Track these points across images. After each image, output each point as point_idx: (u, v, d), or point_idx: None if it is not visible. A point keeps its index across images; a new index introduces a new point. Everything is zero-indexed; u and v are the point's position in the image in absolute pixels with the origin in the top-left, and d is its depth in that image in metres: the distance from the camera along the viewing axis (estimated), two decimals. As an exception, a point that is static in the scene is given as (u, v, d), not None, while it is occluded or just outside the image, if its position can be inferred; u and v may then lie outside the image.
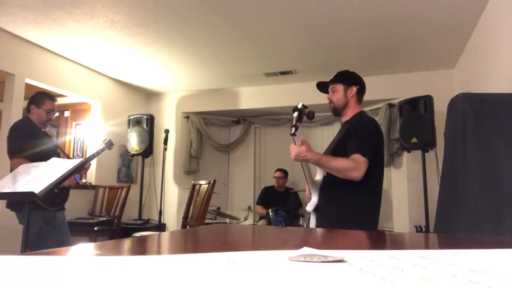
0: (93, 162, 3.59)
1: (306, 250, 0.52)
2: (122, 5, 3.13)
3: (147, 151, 4.84)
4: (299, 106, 1.85)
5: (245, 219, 4.67)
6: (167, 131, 4.84)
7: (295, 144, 1.88)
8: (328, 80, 2.21)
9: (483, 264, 0.44)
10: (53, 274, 0.40)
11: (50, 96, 2.92)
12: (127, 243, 0.75)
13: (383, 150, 2.10)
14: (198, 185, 3.28)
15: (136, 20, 3.40)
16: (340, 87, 2.12)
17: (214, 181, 3.06)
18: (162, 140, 4.82)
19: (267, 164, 5.82)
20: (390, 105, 4.68)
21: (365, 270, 0.40)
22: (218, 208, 4.65)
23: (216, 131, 5.96)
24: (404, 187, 4.54)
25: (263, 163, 5.91)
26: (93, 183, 4.63)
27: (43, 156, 2.45)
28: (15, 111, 3.71)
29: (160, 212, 4.69)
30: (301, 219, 4.32)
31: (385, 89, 4.75)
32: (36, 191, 1.93)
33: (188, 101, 5.67)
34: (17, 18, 3.39)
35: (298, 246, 0.55)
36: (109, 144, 3.07)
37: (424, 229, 3.74)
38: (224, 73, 4.88)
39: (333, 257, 0.46)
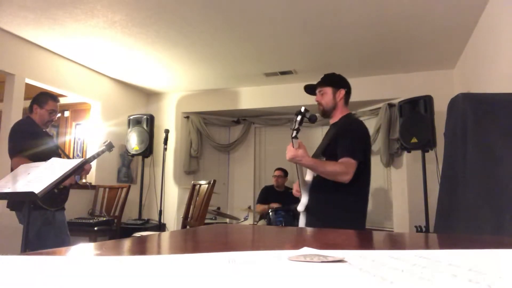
0: (93, 162, 3.59)
1: (306, 250, 0.52)
2: (122, 5, 3.13)
3: (147, 151, 4.83)
4: (302, 110, 1.90)
5: (245, 219, 4.67)
6: (167, 131, 4.84)
7: (293, 147, 1.93)
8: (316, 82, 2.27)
9: (483, 264, 0.44)
10: (53, 274, 0.40)
11: (53, 97, 2.94)
12: (127, 243, 0.75)
13: (370, 151, 2.21)
14: (198, 185, 3.28)
15: (136, 20, 3.40)
16: (328, 90, 2.19)
17: (214, 181, 3.07)
18: (162, 140, 4.82)
19: (267, 164, 5.82)
20: (390, 105, 4.68)
21: (365, 270, 0.40)
22: (218, 208, 4.65)
23: (216, 131, 5.96)
24: (404, 187, 4.53)
25: (263, 163, 5.91)
26: (93, 183, 4.63)
27: (44, 156, 2.45)
28: (15, 111, 3.71)
29: (160, 212, 4.70)
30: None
31: (385, 89, 4.75)
32: (36, 191, 1.93)
33: (188, 101, 5.67)
34: (17, 18, 3.39)
35: (298, 246, 0.55)
36: (110, 146, 3.08)
37: (424, 229, 3.74)
38: (224, 73, 4.88)
39: (333, 257, 0.46)
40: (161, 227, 4.71)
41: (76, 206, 4.19)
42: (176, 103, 5.70)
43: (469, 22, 3.30)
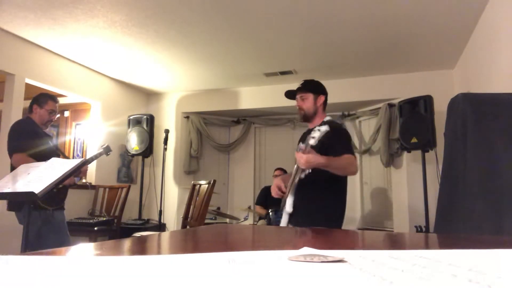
0: (93, 162, 3.59)
1: (306, 250, 0.52)
2: (122, 5, 3.13)
3: (147, 151, 4.84)
4: (327, 119, 1.96)
5: (245, 219, 4.67)
6: (167, 131, 4.84)
7: (303, 153, 1.94)
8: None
9: (483, 264, 0.44)
10: (53, 274, 0.40)
11: (52, 97, 2.97)
12: (127, 243, 0.75)
13: None
14: (198, 185, 3.28)
15: (136, 20, 3.40)
16: (309, 96, 2.27)
17: (214, 181, 3.07)
18: (162, 140, 4.82)
19: (267, 164, 5.82)
20: (390, 105, 4.68)
21: (365, 270, 0.40)
22: (218, 208, 4.65)
23: (216, 131, 5.96)
24: (404, 187, 4.53)
25: (263, 163, 5.91)
26: (93, 183, 4.63)
27: (43, 156, 2.46)
28: (15, 111, 3.71)
29: (160, 212, 4.70)
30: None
31: (385, 89, 4.75)
32: (36, 191, 1.93)
33: (188, 101, 5.67)
34: (17, 18, 3.39)
35: (298, 246, 0.55)
36: (107, 150, 3.09)
37: (424, 229, 3.74)
38: (224, 73, 4.88)
39: (333, 257, 0.46)
40: (161, 227, 4.71)
41: (76, 206, 4.19)
42: (176, 103, 5.70)
43: (469, 22, 3.30)
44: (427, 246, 0.84)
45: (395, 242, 0.93)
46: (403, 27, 3.46)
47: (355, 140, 5.23)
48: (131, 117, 5.01)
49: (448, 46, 3.83)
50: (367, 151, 5.02)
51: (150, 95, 5.79)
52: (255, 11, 3.22)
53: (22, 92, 3.81)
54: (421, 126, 3.77)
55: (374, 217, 5.07)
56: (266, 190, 5.08)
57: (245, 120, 5.89)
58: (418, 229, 3.88)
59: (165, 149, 4.85)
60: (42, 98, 2.90)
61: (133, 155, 4.95)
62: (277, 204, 4.69)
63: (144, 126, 4.90)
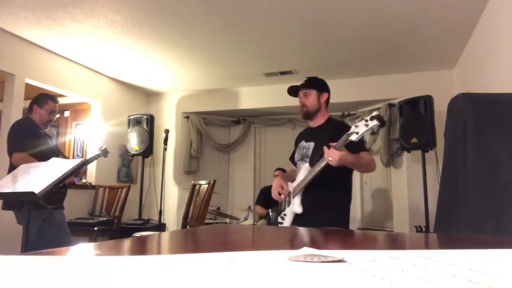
0: (93, 162, 3.60)
1: (306, 250, 0.52)
2: (122, 5, 3.13)
3: (147, 151, 4.83)
4: (377, 113, 1.78)
5: (245, 219, 4.67)
6: (167, 131, 4.84)
7: (336, 150, 1.87)
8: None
9: (483, 264, 0.44)
10: (53, 274, 0.40)
11: (52, 97, 2.98)
12: (127, 243, 0.75)
13: None
14: (198, 185, 3.28)
15: (136, 20, 3.40)
16: (313, 92, 2.23)
17: (214, 181, 3.07)
18: (162, 140, 4.82)
19: (267, 164, 5.82)
20: (390, 105, 4.68)
21: (365, 270, 0.40)
22: (218, 208, 4.65)
23: (216, 131, 5.96)
24: (404, 187, 4.53)
25: (263, 163, 5.91)
26: (93, 183, 4.63)
27: (43, 156, 2.46)
28: (15, 111, 3.71)
29: (160, 212, 4.70)
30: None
31: (385, 89, 4.75)
32: (36, 191, 1.94)
33: (188, 101, 5.67)
34: (17, 18, 3.39)
35: (298, 246, 0.55)
36: (105, 152, 3.09)
37: (424, 229, 3.74)
38: (224, 73, 4.88)
39: (333, 257, 0.46)
40: (161, 227, 4.71)
41: (76, 206, 4.19)
42: (176, 103, 5.70)
43: (469, 22, 3.30)
44: (427, 246, 0.84)
45: (395, 242, 0.93)
46: (403, 27, 3.46)
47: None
48: (131, 117, 5.01)
49: (448, 46, 3.83)
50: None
51: (150, 95, 5.79)
52: (255, 11, 3.22)
53: (22, 92, 3.81)
54: (421, 126, 3.77)
55: (374, 217, 5.07)
56: (266, 190, 5.07)
57: (245, 120, 5.89)
58: (418, 229, 3.88)
59: (165, 149, 4.85)
60: (42, 98, 2.91)
61: (133, 155, 4.95)
62: (277, 204, 4.70)
63: (144, 126, 4.90)
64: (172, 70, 4.73)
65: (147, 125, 4.90)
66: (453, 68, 4.39)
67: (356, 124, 1.83)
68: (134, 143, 4.87)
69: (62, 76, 4.30)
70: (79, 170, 2.90)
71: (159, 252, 0.72)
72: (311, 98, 2.22)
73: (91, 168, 4.72)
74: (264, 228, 2.49)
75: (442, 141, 1.91)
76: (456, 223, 1.50)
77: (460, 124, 1.54)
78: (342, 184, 2.15)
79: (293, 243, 0.87)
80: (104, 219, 4.01)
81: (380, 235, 1.28)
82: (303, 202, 2.12)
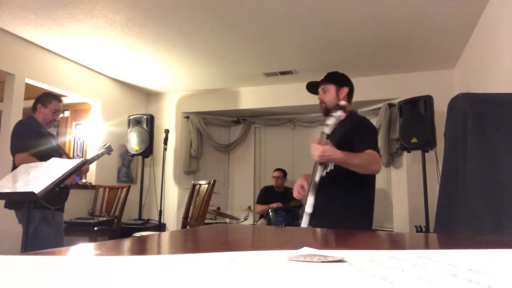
0: (94, 162, 3.59)
1: (306, 250, 0.52)
2: (122, 5, 3.13)
3: (147, 151, 4.84)
4: (343, 103, 1.82)
5: (245, 219, 4.67)
6: (167, 131, 4.84)
7: (320, 144, 1.81)
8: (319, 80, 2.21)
9: (483, 264, 0.44)
10: (53, 274, 0.40)
11: (56, 97, 2.97)
12: (127, 243, 0.75)
13: None
14: (198, 185, 3.28)
15: (136, 20, 3.40)
16: (332, 88, 2.12)
17: (214, 181, 3.07)
18: (162, 140, 4.82)
19: (267, 164, 5.82)
20: (390, 105, 4.68)
21: (365, 270, 0.40)
22: (218, 208, 4.65)
23: (216, 131, 5.96)
24: (404, 187, 4.53)
25: (263, 163, 5.91)
26: (93, 183, 4.63)
27: (46, 156, 2.45)
28: (15, 111, 3.71)
29: (160, 212, 4.70)
30: (301, 219, 4.32)
31: (385, 89, 4.75)
32: (36, 191, 1.93)
33: (188, 101, 5.67)
34: (17, 18, 3.39)
35: (298, 246, 0.55)
36: (109, 150, 3.11)
37: (424, 229, 3.74)
38: (224, 73, 4.88)
39: (333, 257, 0.46)
40: (161, 227, 4.71)
41: (76, 206, 4.19)
42: (176, 103, 5.70)
43: (469, 22, 3.30)
44: (427, 246, 0.84)
45: (395, 242, 0.93)
46: (403, 27, 3.46)
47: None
48: (131, 117, 5.01)
49: (448, 46, 3.83)
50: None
51: (150, 95, 5.79)
52: (255, 11, 3.22)
53: (22, 92, 3.81)
54: (421, 126, 3.77)
55: (374, 217, 5.06)
56: (266, 189, 5.08)
57: (245, 120, 5.89)
58: (418, 229, 3.88)
59: (165, 149, 4.85)
60: (46, 98, 2.90)
61: (133, 155, 4.95)
62: (277, 204, 4.69)
63: (144, 126, 4.90)
64: (172, 70, 4.73)
65: (147, 125, 4.90)
66: (453, 68, 4.39)
67: (334, 114, 1.80)
68: (134, 143, 4.87)
69: (62, 76, 4.30)
70: (83, 171, 2.90)
71: (159, 252, 0.72)
72: (329, 94, 2.11)
73: (91, 168, 4.72)
74: (264, 228, 2.49)
75: (442, 141, 1.91)
76: (456, 223, 1.50)
77: (460, 124, 1.54)
78: (356, 183, 1.96)
79: (293, 243, 0.87)
80: (104, 219, 4.02)
81: (380, 235, 1.28)
82: (316, 201, 2.01)
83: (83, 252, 0.63)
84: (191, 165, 5.58)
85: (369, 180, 2.03)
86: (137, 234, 3.42)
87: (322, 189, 2.01)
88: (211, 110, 5.65)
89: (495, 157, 1.43)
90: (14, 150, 2.69)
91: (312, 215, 2.04)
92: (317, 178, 2.04)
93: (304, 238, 0.98)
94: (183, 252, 0.65)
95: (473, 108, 1.52)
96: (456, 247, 0.56)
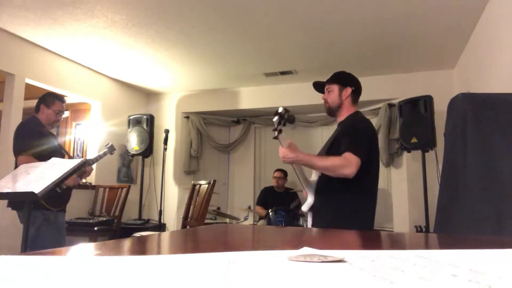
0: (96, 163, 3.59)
1: (306, 250, 0.52)
2: (122, 5, 3.13)
3: (147, 151, 4.84)
4: (280, 110, 1.92)
5: (245, 219, 4.67)
6: (167, 131, 4.84)
7: (282, 147, 1.93)
8: (325, 80, 2.22)
9: (483, 264, 0.44)
10: (53, 274, 0.39)
11: (60, 98, 2.97)
12: (127, 243, 0.75)
13: (378, 150, 2.11)
14: (198, 185, 3.28)
15: (136, 20, 3.40)
16: (335, 88, 2.12)
17: (214, 181, 3.07)
18: (162, 140, 4.82)
19: (267, 164, 5.82)
20: (390, 105, 4.68)
21: (365, 270, 0.40)
22: (218, 208, 4.65)
23: (216, 131, 5.96)
24: (404, 187, 4.53)
25: (263, 163, 5.91)
26: (93, 183, 4.63)
27: (48, 156, 2.45)
28: (15, 111, 3.71)
29: (160, 212, 4.69)
30: (301, 219, 4.32)
31: (385, 89, 4.75)
32: (36, 191, 1.93)
33: (188, 101, 5.67)
34: (17, 18, 3.39)
35: (298, 246, 0.55)
36: (111, 149, 3.11)
37: (424, 229, 3.74)
38: (224, 73, 4.88)
39: (333, 257, 0.46)
40: (161, 227, 4.71)
41: (76, 206, 4.19)
42: (176, 103, 5.70)
43: (469, 22, 3.30)
44: (427, 246, 0.84)
45: (395, 242, 0.93)
46: (403, 27, 3.46)
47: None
48: (131, 117, 5.01)
49: (448, 46, 3.83)
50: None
51: (150, 95, 5.79)
52: (255, 12, 3.22)
53: (22, 92, 3.81)
54: (421, 126, 3.77)
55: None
56: (266, 190, 5.08)
57: (245, 120, 5.89)
58: (418, 229, 3.88)
59: (165, 149, 4.85)
60: (49, 98, 2.90)
61: (133, 155, 4.95)
62: (277, 205, 4.70)
63: (144, 126, 4.90)
64: (172, 70, 4.73)
65: (147, 125, 4.90)
66: (453, 68, 4.39)
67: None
68: (134, 143, 4.87)
69: (62, 76, 4.30)
70: (87, 172, 2.90)
71: (159, 252, 0.72)
72: (333, 94, 2.11)
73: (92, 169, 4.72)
74: (264, 228, 2.49)
75: (442, 141, 1.91)
76: (456, 223, 1.50)
77: (460, 124, 1.54)
78: (352, 184, 1.93)
79: (293, 243, 0.87)
80: (104, 219, 4.02)
81: (380, 235, 1.28)
82: (316, 202, 2.03)
83: (83, 252, 0.63)
84: (191, 165, 5.58)
85: (368, 179, 1.99)
86: (137, 234, 3.42)
87: (320, 190, 2.03)
88: (211, 110, 5.65)
89: (495, 157, 1.43)
90: (17, 151, 2.69)
91: (314, 215, 2.06)
92: (314, 177, 2.07)
93: (304, 238, 0.98)
94: (183, 252, 0.65)
95: (473, 108, 1.52)
96: (456, 247, 0.56)
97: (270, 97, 5.30)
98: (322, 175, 2.01)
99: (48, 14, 3.31)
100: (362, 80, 2.20)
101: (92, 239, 3.87)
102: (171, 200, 5.36)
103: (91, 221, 3.90)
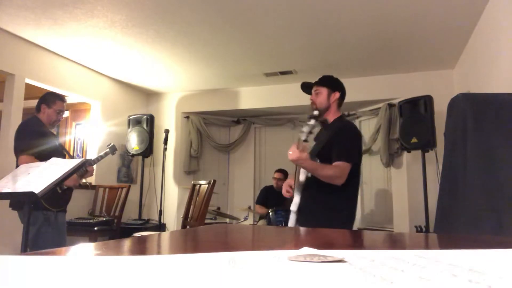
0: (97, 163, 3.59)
1: (306, 250, 0.52)
2: (122, 5, 3.13)
3: (147, 151, 4.84)
4: (316, 113, 1.98)
5: (245, 219, 4.67)
6: (167, 131, 4.84)
7: (297, 148, 1.96)
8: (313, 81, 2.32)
9: (483, 264, 0.44)
10: (53, 274, 0.40)
11: (61, 97, 2.97)
12: (127, 243, 0.75)
13: (361, 152, 2.27)
14: (198, 185, 3.28)
15: (136, 20, 3.40)
16: (324, 90, 2.22)
17: (214, 181, 3.07)
18: (162, 140, 4.82)
19: (267, 164, 5.82)
20: (390, 105, 4.68)
21: (365, 270, 0.40)
22: (218, 208, 4.65)
23: (216, 131, 5.96)
24: (404, 187, 4.53)
25: (263, 163, 5.91)
26: (93, 183, 4.63)
27: (49, 156, 2.45)
28: (15, 111, 3.71)
29: (160, 212, 4.70)
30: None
31: (385, 89, 4.75)
32: (36, 191, 1.93)
33: (188, 101, 5.67)
34: (17, 18, 3.39)
35: (298, 246, 0.55)
36: (113, 149, 3.12)
37: (424, 229, 3.74)
38: (224, 73, 4.88)
39: (333, 257, 0.46)
40: (161, 227, 4.71)
41: (76, 206, 4.19)
42: (176, 103, 5.70)
43: (469, 22, 3.30)
44: (427, 246, 0.84)
45: (395, 242, 0.93)
46: (403, 27, 3.46)
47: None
48: (131, 117, 5.01)
49: (448, 46, 3.83)
50: (367, 151, 5.02)
51: (150, 95, 5.79)
52: (255, 11, 3.22)
53: (22, 92, 3.81)
54: (421, 126, 3.77)
55: (374, 217, 5.07)
56: (266, 190, 5.08)
57: (245, 120, 5.89)
58: (418, 229, 3.88)
59: (165, 149, 4.85)
60: (50, 98, 2.90)
61: (133, 155, 4.95)
62: (277, 204, 4.70)
63: (144, 126, 4.90)
64: (172, 70, 4.73)
65: (147, 125, 4.90)
66: (453, 68, 4.39)
67: (308, 122, 1.95)
68: (134, 143, 4.87)
69: (62, 76, 4.30)
70: (89, 172, 2.90)
71: (159, 252, 0.72)
72: (321, 96, 2.21)
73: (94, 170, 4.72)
74: (264, 228, 2.49)
75: (442, 141, 1.91)
76: (456, 223, 1.50)
77: (460, 124, 1.54)
78: (337, 186, 2.06)
79: (293, 243, 0.87)
80: (104, 219, 4.02)
81: (380, 235, 1.28)
82: (301, 201, 2.13)
83: (83, 252, 0.63)
84: (191, 165, 5.58)
85: (352, 181, 2.13)
86: (137, 234, 3.42)
87: (306, 190, 2.13)
88: (211, 110, 5.65)
89: (495, 157, 1.43)
90: (18, 151, 2.68)
91: (298, 214, 2.14)
92: (302, 178, 2.14)
93: (304, 238, 0.98)
94: (183, 252, 0.65)
95: (473, 108, 1.52)
96: (456, 247, 0.56)
97: (270, 97, 5.30)
98: (311, 176, 2.10)
99: (48, 14, 3.31)
100: (362, 80, 2.25)
101: (92, 239, 3.87)
102: (171, 200, 5.36)
103: (91, 221, 3.90)
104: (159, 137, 5.03)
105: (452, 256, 0.48)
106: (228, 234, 1.05)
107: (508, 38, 2.60)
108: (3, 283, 0.34)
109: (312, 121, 1.93)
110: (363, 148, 5.11)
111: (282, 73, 4.77)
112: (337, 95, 2.22)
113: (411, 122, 3.88)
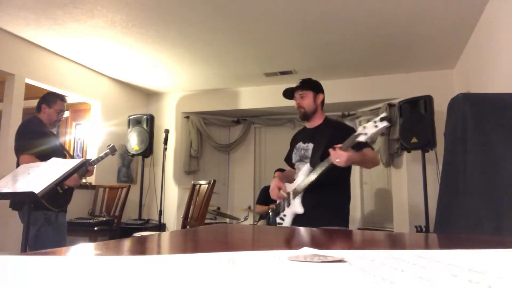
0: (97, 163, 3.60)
1: (306, 250, 0.52)
2: (122, 5, 3.13)
3: (147, 151, 4.84)
4: (386, 114, 1.85)
5: (245, 219, 4.67)
6: (167, 131, 4.84)
7: (341, 150, 1.88)
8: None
9: (483, 264, 0.44)
10: (53, 274, 0.40)
11: (61, 97, 2.98)
12: (127, 243, 0.75)
13: None
14: (198, 185, 3.28)
15: (136, 20, 3.40)
16: (309, 94, 2.25)
17: (214, 181, 3.07)
18: (162, 140, 4.82)
19: (267, 164, 5.82)
20: (390, 105, 4.68)
21: (365, 270, 0.40)
22: (218, 208, 4.65)
23: (216, 131, 5.96)
24: (404, 187, 4.53)
25: (263, 163, 5.91)
26: (93, 183, 4.63)
27: (50, 156, 2.45)
28: (15, 111, 3.71)
29: (160, 212, 4.70)
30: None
31: (385, 89, 4.75)
32: (36, 191, 1.93)
33: (188, 101, 5.67)
34: (17, 18, 3.39)
35: (298, 246, 0.55)
36: (113, 150, 3.12)
37: (424, 229, 3.74)
38: (224, 73, 4.88)
39: (333, 257, 0.46)
40: (161, 227, 4.71)
41: (76, 206, 4.19)
42: (176, 103, 5.70)
43: (469, 22, 3.30)
44: (427, 246, 0.84)
45: (395, 242, 0.93)
46: (403, 26, 3.46)
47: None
48: (131, 117, 5.01)
49: (448, 46, 3.83)
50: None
51: (150, 95, 5.79)
52: (255, 11, 3.23)
53: (22, 92, 3.81)
54: (421, 126, 3.77)
55: (374, 217, 5.07)
56: (267, 189, 5.07)
57: (245, 120, 5.89)
58: (418, 229, 3.88)
59: (165, 149, 4.84)
60: (51, 98, 2.90)
61: (133, 155, 4.95)
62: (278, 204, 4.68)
63: (144, 126, 4.90)
64: (172, 70, 4.73)
65: (147, 125, 4.90)
66: (453, 68, 4.39)
67: (364, 125, 1.84)
68: (134, 143, 4.87)
69: (62, 76, 4.30)
70: (89, 172, 2.91)
71: (159, 252, 0.72)
72: (308, 99, 2.24)
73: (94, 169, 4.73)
74: (264, 228, 2.49)
75: (442, 141, 1.91)
76: (456, 223, 1.50)
77: (460, 124, 1.54)
78: (341, 183, 2.17)
79: (293, 243, 0.87)
80: (104, 219, 4.02)
81: (380, 235, 1.28)
82: (304, 203, 2.12)
83: (83, 252, 0.63)
84: (191, 165, 5.58)
85: (348, 181, 2.20)
86: (137, 234, 3.42)
87: (309, 191, 2.12)
88: (211, 110, 5.65)
89: (495, 157, 1.43)
90: (19, 151, 2.68)
91: (298, 215, 2.14)
92: (309, 180, 2.09)
93: (304, 238, 0.98)
94: (183, 252, 0.65)
95: (473, 108, 1.52)
96: (456, 247, 0.56)
97: (270, 97, 5.30)
98: (317, 177, 2.08)
99: (48, 14, 3.31)
100: (362, 80, 2.26)
101: (92, 239, 3.87)
102: (171, 200, 5.36)
103: (91, 221, 3.90)
104: (159, 137, 5.03)
105: (452, 256, 0.48)
106: (228, 234, 1.05)
107: (508, 38, 2.60)
108: (3, 283, 0.34)
109: (385, 123, 1.76)
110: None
111: (282, 73, 4.77)
112: (321, 97, 2.27)
113: (411, 122, 3.88)
